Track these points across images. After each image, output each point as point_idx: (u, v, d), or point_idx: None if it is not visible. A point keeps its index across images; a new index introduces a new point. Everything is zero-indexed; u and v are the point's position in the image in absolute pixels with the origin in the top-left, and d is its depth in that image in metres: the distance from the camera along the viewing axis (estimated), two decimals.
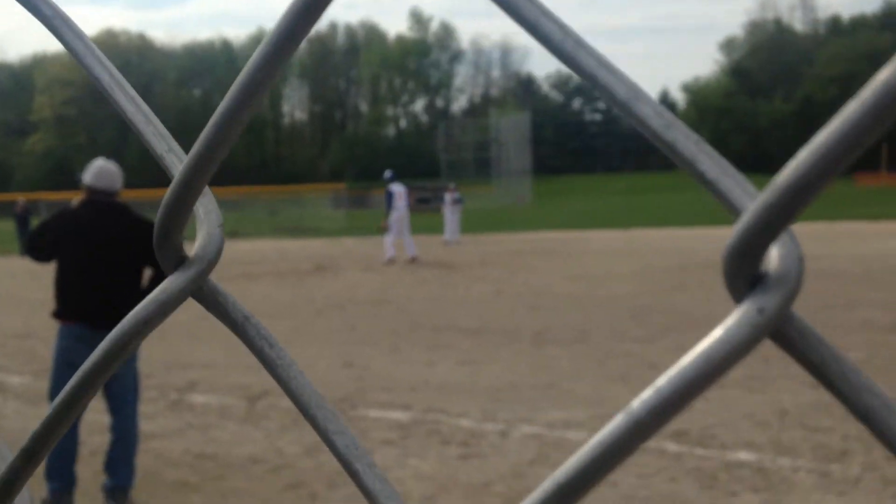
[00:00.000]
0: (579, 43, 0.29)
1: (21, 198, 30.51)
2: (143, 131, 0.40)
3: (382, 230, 20.72)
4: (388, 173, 21.56)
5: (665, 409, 0.26)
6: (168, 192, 0.37)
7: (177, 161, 0.40)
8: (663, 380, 0.25)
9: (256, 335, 0.39)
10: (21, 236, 28.32)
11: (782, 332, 0.26)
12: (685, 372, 0.25)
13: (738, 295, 0.26)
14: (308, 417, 0.37)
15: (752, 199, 0.27)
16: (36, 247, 5.09)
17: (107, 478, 5.05)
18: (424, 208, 42.73)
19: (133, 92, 0.41)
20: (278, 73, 0.31)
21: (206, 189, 0.38)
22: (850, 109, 0.22)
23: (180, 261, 0.38)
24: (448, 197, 27.07)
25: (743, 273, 0.26)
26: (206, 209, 0.39)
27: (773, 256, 0.26)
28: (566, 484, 0.27)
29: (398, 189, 20.99)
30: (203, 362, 8.53)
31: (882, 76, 0.22)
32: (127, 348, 0.38)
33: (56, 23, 0.42)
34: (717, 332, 0.26)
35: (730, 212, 0.27)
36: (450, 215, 26.44)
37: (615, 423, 0.26)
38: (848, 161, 0.23)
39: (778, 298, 0.25)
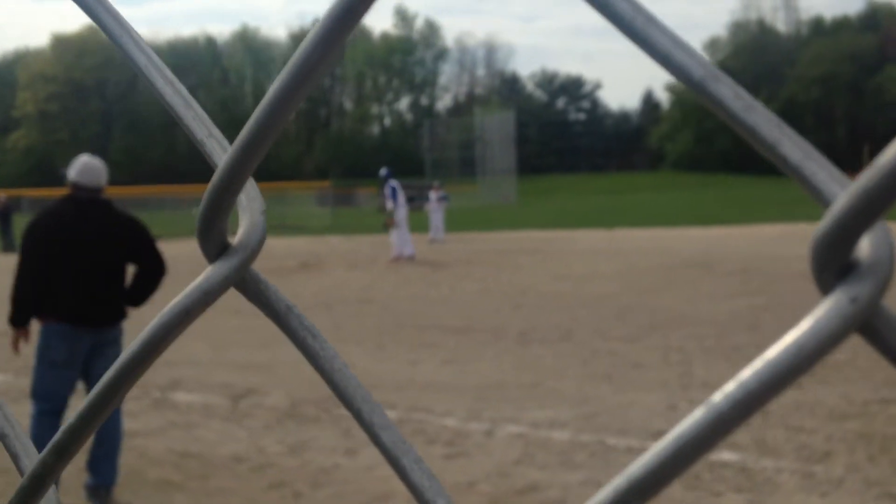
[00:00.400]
0: (651, 20, 0.28)
1: (1, 194, 30.28)
2: (182, 115, 0.39)
3: (388, 227, 20.61)
4: (384, 170, 21.53)
5: (750, 403, 0.24)
6: (213, 180, 0.36)
7: (217, 147, 0.39)
8: (748, 372, 0.24)
9: (299, 326, 0.38)
10: (3, 234, 28.07)
11: (870, 323, 0.25)
12: (773, 364, 0.24)
13: (827, 285, 0.25)
14: (353, 411, 0.36)
15: (838, 183, 0.26)
16: (22, 298, 4.99)
17: (89, 476, 5.02)
18: (409, 206, 42.60)
19: (171, 75, 0.40)
20: (335, 55, 0.30)
21: (249, 177, 0.37)
22: None
23: (223, 249, 0.37)
24: (433, 195, 27.03)
25: (834, 262, 0.25)
26: (249, 196, 0.38)
27: (864, 245, 0.25)
28: (640, 479, 0.26)
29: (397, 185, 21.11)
30: (187, 360, 8.49)
31: None
32: (168, 339, 0.37)
33: (90, 2, 0.41)
34: (806, 323, 0.24)
35: (814, 197, 0.26)
36: (435, 213, 26.40)
37: (695, 418, 0.24)
38: None
39: (871, 287, 0.24)
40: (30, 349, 5.17)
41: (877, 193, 0.23)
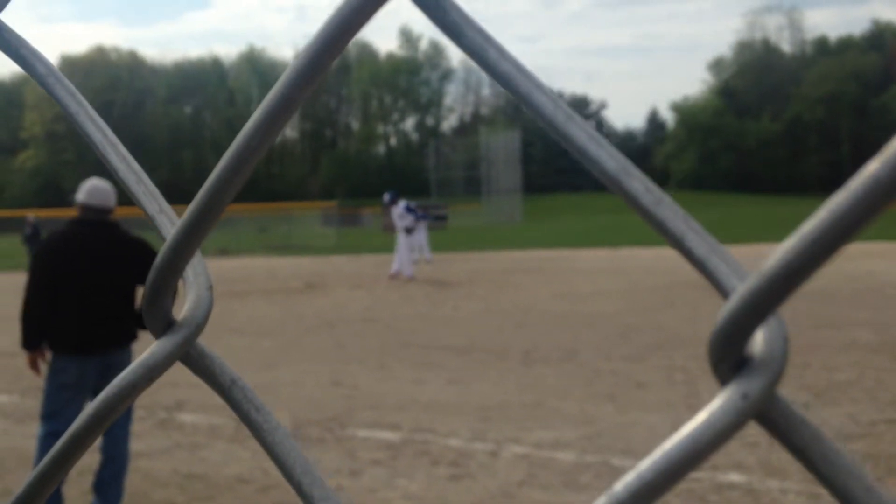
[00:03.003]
0: (570, 116, 0.29)
1: (31, 214, 30.23)
2: (134, 191, 0.40)
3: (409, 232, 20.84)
4: (388, 195, 21.73)
5: (648, 494, 0.26)
6: (159, 256, 0.37)
7: (167, 222, 0.40)
8: (646, 463, 0.25)
9: (243, 399, 0.39)
10: (31, 253, 27.97)
11: (766, 415, 0.26)
12: (669, 456, 0.25)
13: (724, 377, 0.26)
14: (293, 483, 0.36)
15: (739, 278, 0.27)
16: (33, 322, 5.01)
17: (95, 498, 5.02)
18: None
19: (125, 151, 0.41)
20: (269, 144, 0.31)
21: (196, 252, 0.38)
22: (838, 200, 0.23)
23: (168, 325, 0.38)
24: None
25: (729, 356, 0.26)
26: (196, 272, 0.39)
27: (759, 339, 0.26)
28: None
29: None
30: (191, 381, 8.47)
31: (870, 169, 0.22)
32: (115, 411, 0.38)
33: (49, 80, 0.43)
34: (701, 416, 0.25)
35: (718, 291, 0.27)
36: (420, 233, 26.00)
37: None
38: (835, 250, 0.23)
39: (762, 383, 0.25)
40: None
41: (765, 294, 0.24)
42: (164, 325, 0.38)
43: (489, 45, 0.30)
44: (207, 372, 0.39)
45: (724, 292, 0.27)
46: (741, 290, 0.24)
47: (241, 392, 0.39)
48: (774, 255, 0.24)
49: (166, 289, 0.37)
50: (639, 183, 0.28)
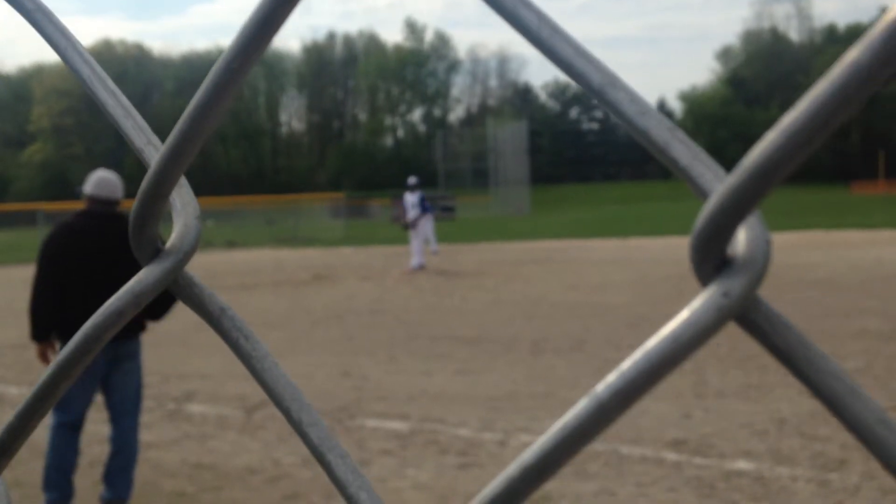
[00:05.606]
0: (555, 30, 0.28)
1: None
2: (122, 125, 0.40)
3: (412, 227, 20.86)
4: (413, 179, 21.83)
5: (629, 392, 0.26)
6: (143, 183, 0.36)
7: (156, 154, 0.39)
8: (628, 363, 0.25)
9: (232, 327, 0.38)
10: None
11: (749, 317, 0.26)
12: (650, 354, 0.25)
13: (705, 278, 0.26)
14: (282, 409, 0.36)
15: (723, 182, 0.26)
16: (40, 313, 5.03)
17: (104, 489, 5.04)
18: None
19: (113, 86, 0.41)
20: (249, 67, 0.31)
21: (183, 180, 0.38)
22: (818, 89, 0.22)
23: (156, 252, 0.38)
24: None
25: (710, 256, 0.26)
26: (184, 200, 0.38)
27: (741, 240, 0.25)
28: (531, 466, 0.27)
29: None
30: (200, 372, 8.52)
31: (850, 56, 0.22)
32: (101, 339, 0.38)
33: (37, 16, 0.42)
34: (682, 315, 0.25)
35: (700, 196, 0.27)
36: (427, 224, 25.96)
37: (580, 407, 0.26)
38: (816, 142, 0.23)
39: (743, 282, 0.25)
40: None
41: (744, 191, 0.23)
42: (152, 253, 0.38)
43: None
44: (196, 300, 0.39)
45: (706, 196, 0.27)
46: (722, 187, 0.24)
47: (231, 321, 0.39)
48: (755, 149, 0.23)
49: (152, 216, 0.37)
50: (624, 94, 0.28)
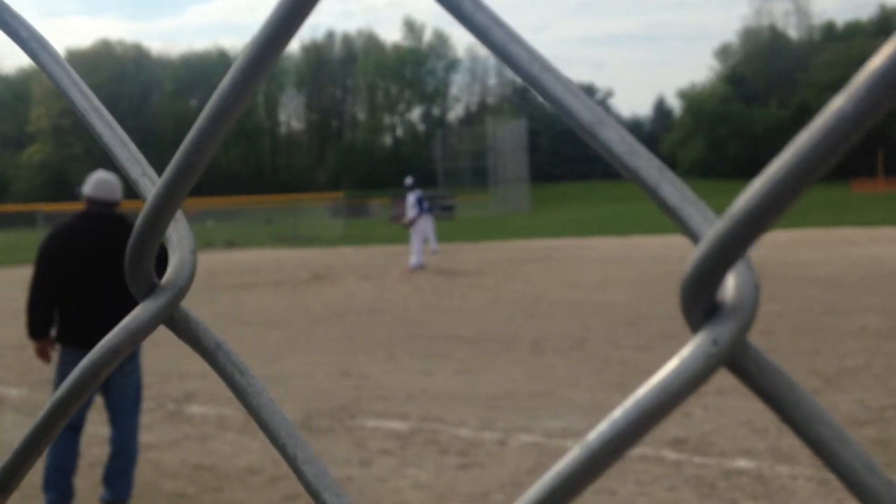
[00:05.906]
0: (546, 67, 0.28)
1: None
2: (118, 156, 0.40)
3: (410, 225, 20.90)
4: (410, 179, 21.80)
5: (620, 442, 0.26)
6: (140, 219, 0.36)
7: (151, 186, 0.39)
8: (618, 412, 0.25)
9: (227, 362, 0.38)
10: None
11: (738, 362, 0.26)
12: (641, 404, 0.25)
13: (695, 324, 0.26)
14: (277, 446, 0.36)
15: (713, 225, 0.26)
16: (38, 311, 5.03)
17: (104, 490, 5.04)
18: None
19: (109, 117, 0.41)
20: (245, 101, 0.31)
21: (180, 215, 0.38)
22: (802, 139, 0.22)
23: (151, 288, 0.38)
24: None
25: (699, 302, 0.26)
26: (179, 235, 0.38)
27: (730, 285, 0.25)
28: None
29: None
30: (200, 373, 8.51)
31: (834, 105, 0.22)
32: (98, 377, 0.38)
33: (33, 45, 0.42)
34: (672, 363, 0.26)
35: (690, 239, 0.27)
36: (427, 223, 25.94)
37: (571, 456, 0.26)
38: (802, 190, 0.23)
39: (732, 329, 0.25)
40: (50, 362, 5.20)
41: (732, 238, 0.23)
42: (147, 289, 0.38)
43: None
44: (192, 336, 0.39)
45: (696, 239, 0.27)
46: (710, 234, 0.24)
47: (226, 356, 0.39)
48: (742, 197, 0.24)
49: (148, 251, 0.37)
50: (614, 133, 0.28)
